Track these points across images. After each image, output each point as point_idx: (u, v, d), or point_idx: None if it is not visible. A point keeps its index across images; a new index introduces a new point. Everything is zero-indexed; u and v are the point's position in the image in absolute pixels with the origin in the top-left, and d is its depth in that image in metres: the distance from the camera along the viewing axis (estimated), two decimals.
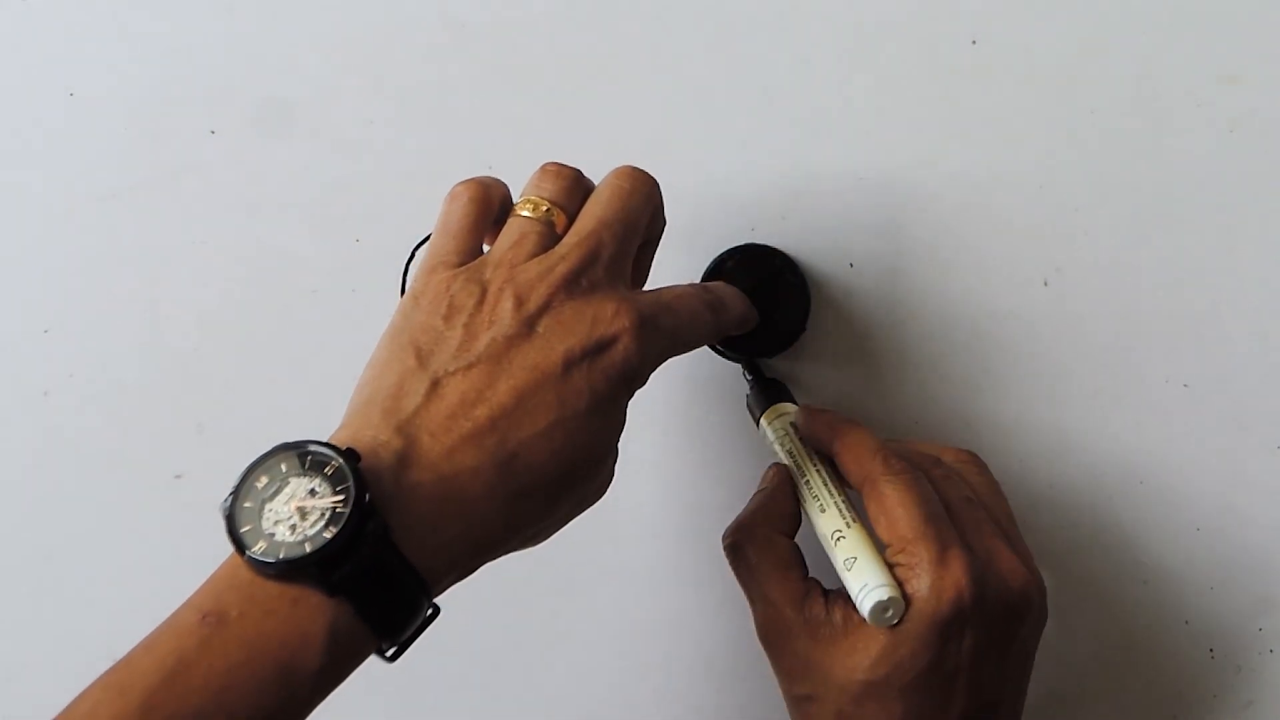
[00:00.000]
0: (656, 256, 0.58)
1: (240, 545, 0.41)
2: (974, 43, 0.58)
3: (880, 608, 0.46)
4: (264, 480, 0.42)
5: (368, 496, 0.40)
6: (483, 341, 0.45)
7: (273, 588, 0.40)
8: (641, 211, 0.50)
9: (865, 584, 0.47)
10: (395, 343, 0.46)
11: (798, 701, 0.50)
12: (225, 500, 0.41)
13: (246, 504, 0.41)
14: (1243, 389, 0.59)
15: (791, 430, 0.53)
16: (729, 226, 0.58)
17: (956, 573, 0.47)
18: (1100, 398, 0.58)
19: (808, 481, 0.51)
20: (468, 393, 0.44)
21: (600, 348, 0.45)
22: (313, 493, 0.41)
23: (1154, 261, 0.58)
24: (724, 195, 0.58)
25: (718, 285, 0.54)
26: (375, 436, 0.43)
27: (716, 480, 0.59)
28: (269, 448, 0.42)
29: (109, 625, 0.58)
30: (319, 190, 0.59)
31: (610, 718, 0.60)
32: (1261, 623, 0.59)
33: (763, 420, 0.55)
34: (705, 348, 0.57)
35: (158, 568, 0.58)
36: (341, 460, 0.41)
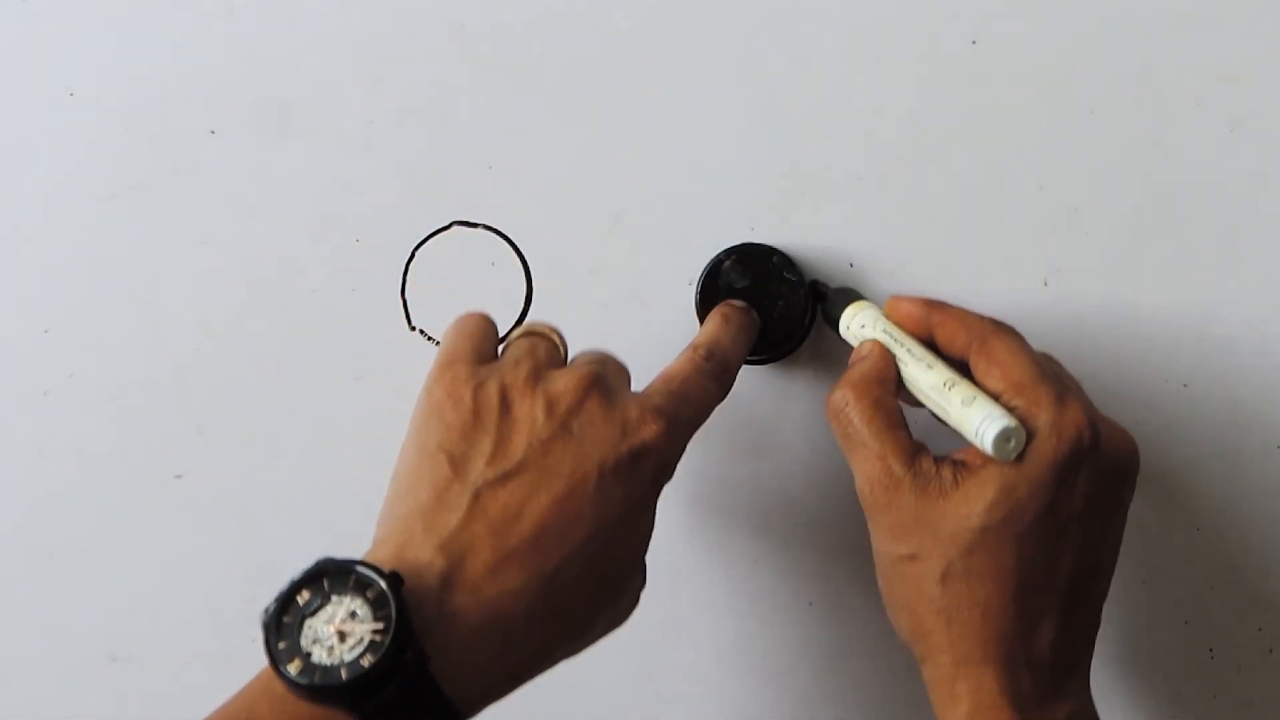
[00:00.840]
0: (655, 256, 0.58)
1: (276, 661, 0.40)
2: (974, 43, 0.58)
3: (1003, 436, 0.46)
4: (306, 596, 0.41)
5: (408, 624, 0.40)
6: (519, 447, 0.44)
7: (304, 707, 0.40)
8: None
9: (987, 415, 0.46)
10: (423, 445, 0.46)
11: (898, 563, 0.49)
12: (266, 611, 0.41)
13: (286, 619, 0.41)
14: (1243, 389, 0.58)
15: (880, 316, 0.53)
16: (728, 226, 0.58)
17: (1076, 413, 0.47)
18: (1100, 398, 0.58)
19: (909, 350, 0.51)
20: (510, 505, 0.43)
21: (634, 456, 0.45)
22: (353, 615, 0.40)
23: (1154, 261, 0.58)
24: (724, 195, 0.58)
25: (715, 338, 0.53)
26: (418, 556, 0.42)
27: (717, 481, 0.59)
28: (313, 562, 0.41)
29: (109, 625, 0.58)
30: (319, 190, 0.59)
31: (609, 717, 0.60)
32: (1261, 623, 0.59)
33: (848, 312, 0.54)
34: None
35: (158, 568, 0.58)
36: (385, 585, 0.40)
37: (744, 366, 0.58)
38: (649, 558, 0.48)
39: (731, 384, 0.52)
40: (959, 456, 0.48)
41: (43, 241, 0.58)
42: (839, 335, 0.54)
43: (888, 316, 0.53)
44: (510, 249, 0.59)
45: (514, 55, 0.59)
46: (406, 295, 0.59)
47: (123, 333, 0.58)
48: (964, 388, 0.48)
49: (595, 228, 0.58)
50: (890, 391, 0.50)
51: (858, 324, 0.54)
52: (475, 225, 0.59)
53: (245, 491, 0.58)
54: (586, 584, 0.44)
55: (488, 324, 0.50)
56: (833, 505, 0.58)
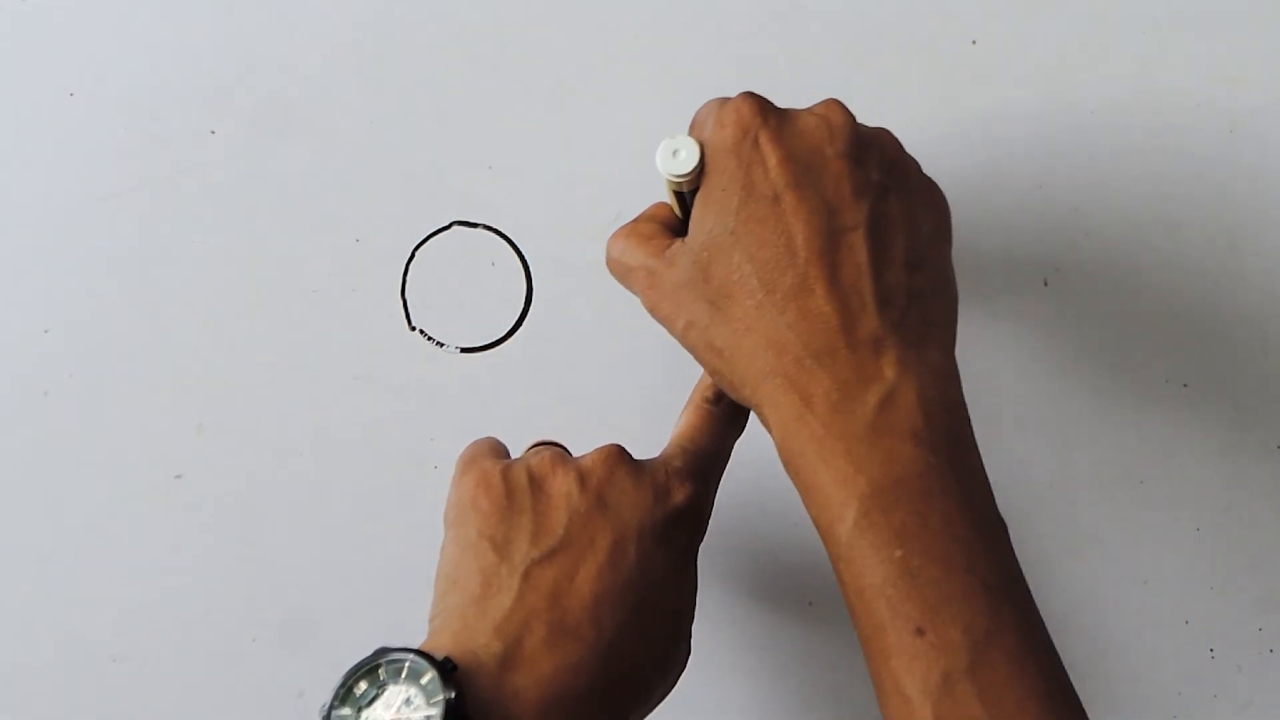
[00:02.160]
0: None
1: None
2: (974, 43, 0.58)
3: (668, 150, 0.45)
4: (363, 686, 0.41)
5: (463, 709, 0.40)
6: (559, 523, 0.45)
7: None
8: None
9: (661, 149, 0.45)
10: (464, 538, 0.46)
11: (687, 341, 0.46)
12: (325, 705, 0.41)
13: (344, 710, 0.41)
14: (1243, 389, 0.59)
15: None
16: None
17: (736, 101, 0.46)
18: (1100, 398, 0.58)
19: None
20: (559, 580, 0.44)
21: (669, 520, 0.46)
22: (408, 702, 0.41)
23: (1154, 261, 0.58)
24: None
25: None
26: (474, 640, 0.42)
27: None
28: (370, 651, 0.42)
29: (109, 625, 0.58)
30: (319, 190, 0.59)
31: None
32: (1261, 623, 0.59)
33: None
34: None
35: (158, 568, 0.58)
36: (437, 671, 0.40)
37: None
38: None
39: (746, 416, 0.51)
40: None
41: (43, 241, 0.58)
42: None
43: None
44: (510, 249, 0.59)
45: (514, 55, 0.59)
46: (406, 295, 0.59)
47: (123, 333, 0.58)
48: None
49: (595, 228, 0.58)
50: (646, 219, 0.49)
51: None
52: (475, 225, 0.59)
53: (245, 491, 0.58)
54: (640, 651, 0.44)
55: (498, 441, 0.51)
56: None
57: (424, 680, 0.41)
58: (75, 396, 0.58)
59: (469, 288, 0.58)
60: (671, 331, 0.47)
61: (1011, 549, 0.43)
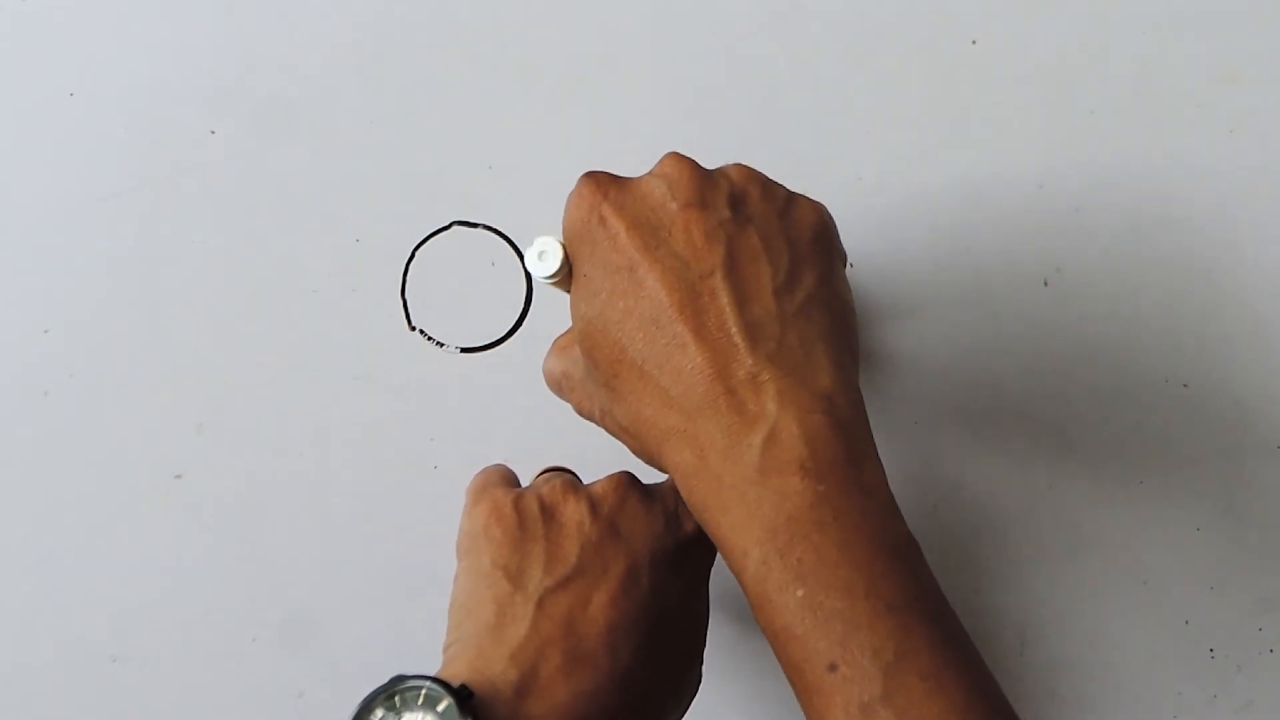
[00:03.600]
0: None
1: None
2: (974, 43, 0.58)
3: (534, 253, 0.45)
4: (379, 713, 0.41)
5: None
6: (571, 551, 0.45)
7: None
8: None
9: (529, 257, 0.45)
10: (477, 568, 0.46)
11: (604, 424, 0.47)
12: None
13: None
14: (1243, 389, 0.59)
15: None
16: None
17: (578, 184, 0.45)
18: (1100, 398, 0.58)
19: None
20: (574, 608, 0.44)
21: (680, 547, 0.46)
22: None
23: (1154, 261, 0.58)
24: None
25: None
26: (490, 669, 0.42)
27: None
28: (386, 679, 0.42)
29: (109, 625, 0.58)
30: (319, 190, 0.59)
31: None
32: (1261, 623, 0.59)
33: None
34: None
35: (158, 568, 0.58)
36: (453, 698, 0.40)
37: None
38: None
39: None
40: None
41: (43, 241, 0.58)
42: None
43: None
44: (510, 249, 0.59)
45: (514, 55, 0.59)
46: (406, 295, 0.59)
47: (123, 333, 0.58)
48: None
49: None
50: (569, 329, 0.48)
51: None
52: (475, 225, 0.59)
53: (245, 491, 0.58)
54: (654, 677, 0.44)
55: (507, 468, 0.51)
56: None
57: (441, 708, 0.41)
58: (75, 396, 0.58)
59: (469, 288, 0.58)
60: (599, 424, 0.47)
61: (920, 562, 0.42)
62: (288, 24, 0.59)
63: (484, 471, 0.51)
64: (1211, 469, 0.59)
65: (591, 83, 0.58)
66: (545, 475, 0.51)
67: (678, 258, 0.43)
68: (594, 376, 0.45)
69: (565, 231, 0.46)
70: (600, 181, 0.45)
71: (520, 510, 0.46)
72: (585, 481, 0.50)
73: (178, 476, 0.58)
